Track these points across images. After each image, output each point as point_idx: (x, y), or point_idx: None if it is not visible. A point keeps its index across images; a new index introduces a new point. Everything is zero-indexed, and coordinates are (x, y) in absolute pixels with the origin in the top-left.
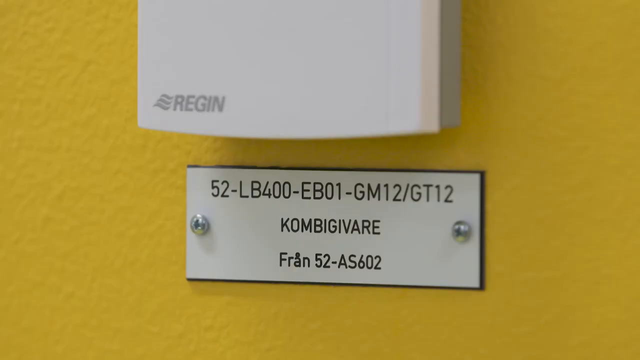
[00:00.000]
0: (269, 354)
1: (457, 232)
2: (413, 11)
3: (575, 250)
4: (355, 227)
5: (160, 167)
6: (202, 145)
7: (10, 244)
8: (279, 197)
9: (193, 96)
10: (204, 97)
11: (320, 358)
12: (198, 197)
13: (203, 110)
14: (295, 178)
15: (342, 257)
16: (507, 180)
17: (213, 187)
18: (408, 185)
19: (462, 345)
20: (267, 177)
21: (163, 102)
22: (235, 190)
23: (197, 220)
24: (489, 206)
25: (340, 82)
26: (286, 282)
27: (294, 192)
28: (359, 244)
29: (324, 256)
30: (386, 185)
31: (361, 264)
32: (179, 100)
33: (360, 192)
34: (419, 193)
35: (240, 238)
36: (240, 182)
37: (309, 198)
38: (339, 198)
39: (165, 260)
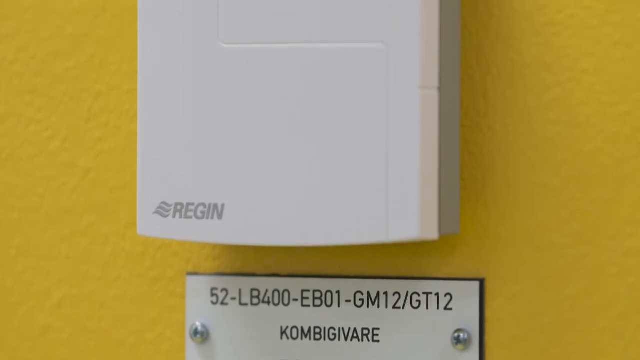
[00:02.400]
0: None
1: (457, 340)
2: (412, 119)
3: (575, 359)
4: (355, 335)
5: (160, 275)
6: (202, 253)
7: (9, 351)
8: (278, 304)
9: (192, 204)
10: (204, 205)
11: None
12: (197, 305)
13: (202, 217)
14: (295, 286)
15: None
16: (507, 288)
17: (212, 294)
18: (407, 293)
19: None
20: (266, 284)
21: (162, 210)
22: (234, 298)
23: (197, 329)
24: (488, 314)
25: (339, 189)
26: None
27: (294, 299)
28: (359, 352)
29: None
30: (385, 293)
31: None
32: (179, 207)
33: (360, 299)
34: (418, 301)
35: (239, 346)
36: (240, 290)
37: (309, 306)
38: (339, 306)
39: None
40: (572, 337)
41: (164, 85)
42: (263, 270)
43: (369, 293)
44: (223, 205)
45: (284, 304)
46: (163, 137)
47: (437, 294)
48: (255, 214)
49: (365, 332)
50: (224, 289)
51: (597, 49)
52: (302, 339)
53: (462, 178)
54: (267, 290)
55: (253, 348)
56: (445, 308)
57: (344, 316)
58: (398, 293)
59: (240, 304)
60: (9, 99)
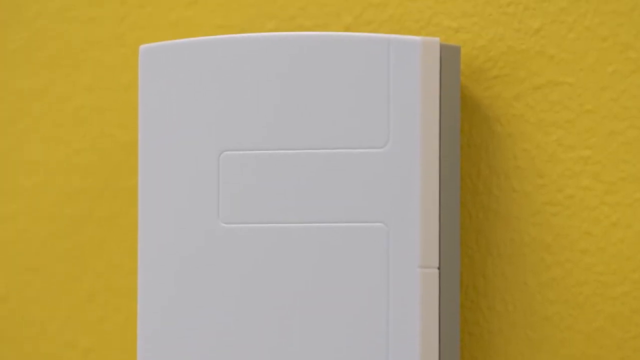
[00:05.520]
0: None
1: None
2: (412, 298)
3: None
4: None
5: None
6: None
7: None
8: None
9: None
10: None
11: None
12: None
13: None
14: None
15: None
16: None
17: None
18: None
19: None
20: None
21: None
22: None
23: None
24: None
25: None
26: None
27: None
28: None
29: None
30: None
31: None
32: None
33: None
34: None
35: None
36: None
37: None
38: None
39: None
40: None
41: (164, 264)
42: None
43: None
44: None
45: None
46: (163, 318)
47: None
48: None
49: None
50: None
51: (596, 230)
52: None
53: (462, 357)
54: None
55: None
56: None
57: None
58: None
59: None
60: (10, 279)
